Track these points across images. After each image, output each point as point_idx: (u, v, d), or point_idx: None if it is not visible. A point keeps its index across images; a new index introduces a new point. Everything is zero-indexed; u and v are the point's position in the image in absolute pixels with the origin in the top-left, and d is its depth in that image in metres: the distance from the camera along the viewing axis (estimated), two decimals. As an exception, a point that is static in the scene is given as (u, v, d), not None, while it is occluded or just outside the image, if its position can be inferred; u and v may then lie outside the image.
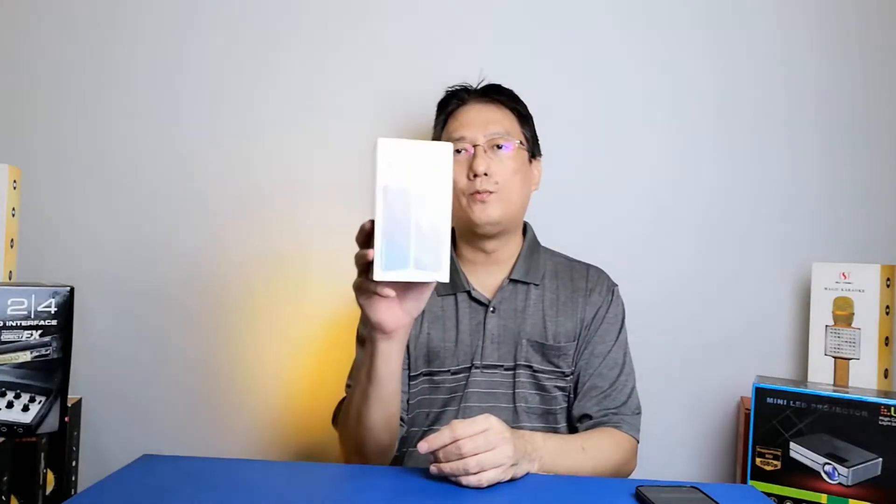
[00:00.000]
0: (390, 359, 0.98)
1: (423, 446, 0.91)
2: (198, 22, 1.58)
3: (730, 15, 1.52)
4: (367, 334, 0.98)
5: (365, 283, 0.89)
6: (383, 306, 0.92)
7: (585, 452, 1.08)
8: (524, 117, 1.30)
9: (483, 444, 0.90)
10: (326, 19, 1.57)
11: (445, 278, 0.87)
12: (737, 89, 1.52)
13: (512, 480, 0.93)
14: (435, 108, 1.33)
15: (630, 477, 1.20)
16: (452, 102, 1.30)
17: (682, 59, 1.53)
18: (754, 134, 1.51)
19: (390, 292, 0.89)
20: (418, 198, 0.85)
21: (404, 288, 0.91)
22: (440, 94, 1.33)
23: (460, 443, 0.90)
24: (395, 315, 0.93)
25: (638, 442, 1.21)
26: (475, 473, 0.89)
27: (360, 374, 1.04)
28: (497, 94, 1.28)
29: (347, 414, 1.11)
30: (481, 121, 1.24)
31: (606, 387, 1.20)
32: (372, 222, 0.85)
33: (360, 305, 0.93)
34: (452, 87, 1.32)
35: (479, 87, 1.30)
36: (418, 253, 0.85)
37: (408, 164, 0.84)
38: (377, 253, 0.84)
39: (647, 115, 1.53)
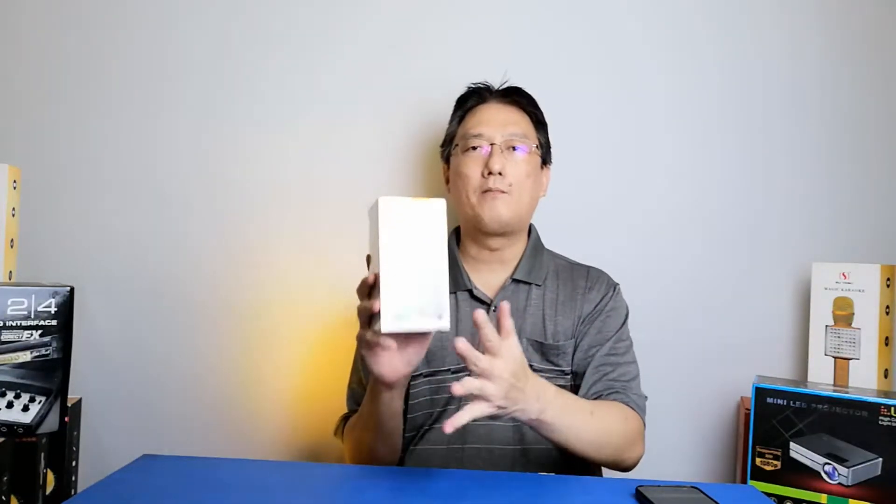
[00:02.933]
0: (392, 403, 1.03)
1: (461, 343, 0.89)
2: (201, 20, 1.58)
3: (733, 13, 1.52)
4: (369, 382, 1.03)
5: (368, 335, 0.91)
6: (385, 358, 0.93)
7: (593, 416, 1.06)
8: (540, 123, 1.30)
9: (484, 369, 0.89)
10: (337, 17, 1.56)
11: (447, 327, 0.89)
12: (737, 91, 1.51)
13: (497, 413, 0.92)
14: (443, 108, 1.33)
15: (630, 477, 1.20)
16: (472, 99, 1.30)
17: (683, 61, 1.53)
18: (754, 135, 1.51)
19: (391, 343, 0.91)
20: (418, 251, 0.88)
21: (406, 339, 0.93)
22: (452, 94, 1.33)
23: (477, 356, 0.89)
24: (395, 366, 0.94)
25: (644, 426, 1.19)
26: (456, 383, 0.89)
27: (363, 410, 1.09)
28: (517, 97, 1.29)
29: (351, 439, 1.16)
30: (500, 120, 1.25)
31: (609, 371, 1.20)
32: (375, 276, 0.88)
33: (363, 356, 0.95)
34: (474, 84, 1.32)
35: (500, 88, 1.31)
36: (421, 303, 0.88)
37: (406, 221, 0.88)
38: (383, 306, 0.87)
39: (646, 114, 1.53)
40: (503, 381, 0.90)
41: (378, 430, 1.06)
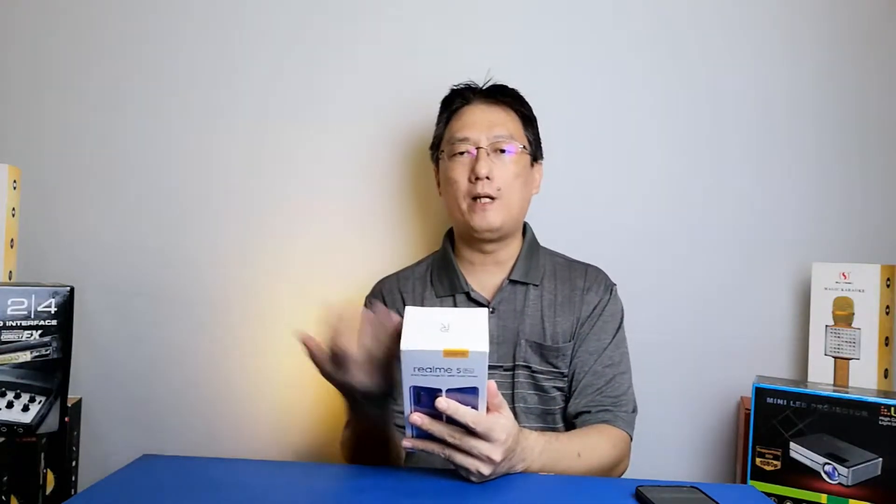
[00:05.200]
0: (382, 414, 0.99)
1: (443, 404, 0.85)
2: (199, 21, 1.58)
3: (729, 14, 1.52)
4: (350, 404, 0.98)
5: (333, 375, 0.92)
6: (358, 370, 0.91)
7: (580, 458, 1.07)
8: (528, 119, 1.29)
9: (475, 449, 0.88)
10: (330, 17, 1.56)
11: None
12: (736, 90, 1.51)
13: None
14: (437, 111, 1.33)
15: (630, 477, 1.20)
16: (457, 101, 1.29)
17: (682, 61, 1.52)
18: (754, 134, 1.51)
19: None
20: (450, 388, 0.85)
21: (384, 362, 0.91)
22: (443, 94, 1.33)
23: (465, 438, 0.88)
24: (374, 380, 0.92)
25: (631, 439, 1.20)
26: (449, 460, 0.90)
27: (354, 436, 1.07)
28: (502, 96, 1.27)
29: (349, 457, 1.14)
30: (485, 122, 1.24)
31: (602, 384, 1.20)
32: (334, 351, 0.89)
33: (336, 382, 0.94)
34: (458, 85, 1.31)
35: (484, 88, 1.30)
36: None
37: (435, 362, 0.82)
38: (408, 431, 0.89)
39: (646, 116, 1.53)
40: (497, 463, 0.89)
41: (373, 450, 1.04)
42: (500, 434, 0.88)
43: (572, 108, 1.53)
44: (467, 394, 0.86)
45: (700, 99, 1.52)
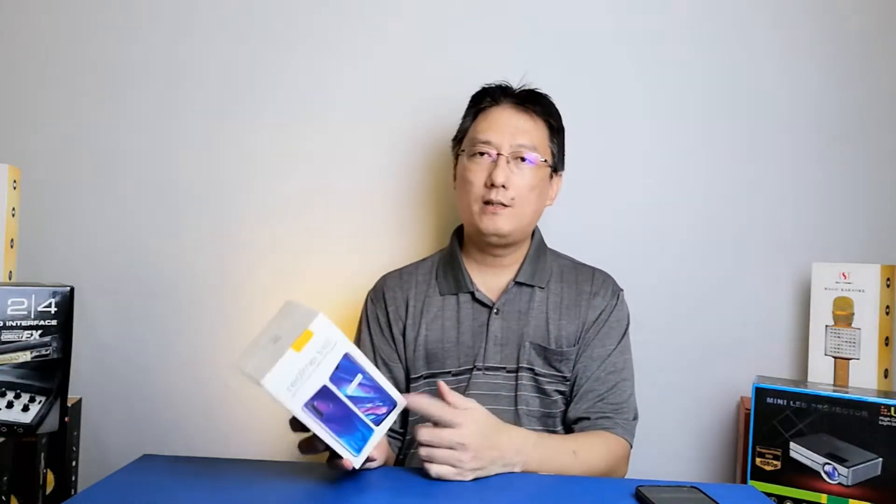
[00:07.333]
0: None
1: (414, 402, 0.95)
2: (199, 21, 1.58)
3: (729, 13, 1.52)
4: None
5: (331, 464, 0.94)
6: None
7: (576, 456, 1.07)
8: (555, 130, 1.27)
9: (445, 440, 0.93)
10: (332, 17, 1.56)
11: (403, 401, 0.91)
12: (736, 88, 1.51)
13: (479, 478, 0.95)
14: (447, 111, 1.32)
15: (630, 477, 1.20)
16: (486, 100, 1.27)
17: (681, 58, 1.52)
18: (754, 133, 1.51)
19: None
20: (337, 383, 0.85)
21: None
22: (460, 96, 1.32)
23: (435, 432, 0.93)
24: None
25: (631, 447, 1.20)
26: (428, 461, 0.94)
27: None
28: (532, 104, 1.25)
29: None
30: (510, 128, 1.22)
31: (604, 391, 1.20)
32: (307, 433, 0.89)
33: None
34: (491, 83, 1.29)
35: (516, 91, 1.27)
36: (372, 412, 0.89)
37: (301, 370, 0.81)
38: (342, 450, 0.87)
39: (646, 113, 1.53)
40: (470, 447, 0.93)
41: None
42: (461, 418, 0.94)
43: (573, 109, 1.52)
44: (346, 374, 0.86)
45: (699, 98, 1.52)
